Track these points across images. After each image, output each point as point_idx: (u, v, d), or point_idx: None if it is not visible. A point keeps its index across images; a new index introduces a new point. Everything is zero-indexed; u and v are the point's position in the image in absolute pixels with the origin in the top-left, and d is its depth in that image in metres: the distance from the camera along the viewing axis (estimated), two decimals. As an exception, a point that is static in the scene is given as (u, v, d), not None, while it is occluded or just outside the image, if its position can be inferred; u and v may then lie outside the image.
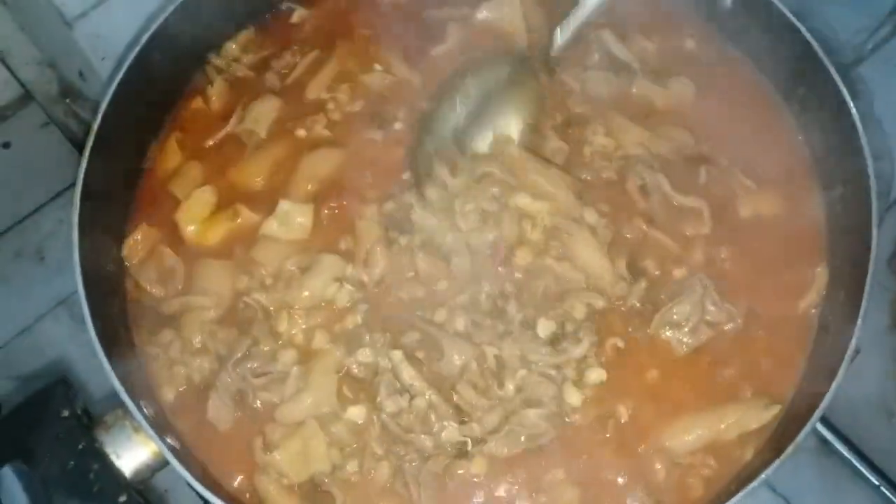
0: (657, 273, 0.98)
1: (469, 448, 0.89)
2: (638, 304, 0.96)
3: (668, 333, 0.95)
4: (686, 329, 0.95)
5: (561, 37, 1.05)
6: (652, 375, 0.94)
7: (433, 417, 0.89)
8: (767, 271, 0.99)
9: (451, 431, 0.89)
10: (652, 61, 1.10)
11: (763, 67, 1.11)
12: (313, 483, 0.89)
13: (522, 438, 0.89)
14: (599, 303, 0.95)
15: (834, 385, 0.87)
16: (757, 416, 0.93)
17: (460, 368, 0.91)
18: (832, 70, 0.99)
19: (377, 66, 1.09)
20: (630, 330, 0.95)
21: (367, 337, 0.94)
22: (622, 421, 0.92)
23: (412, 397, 0.89)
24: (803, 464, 1.25)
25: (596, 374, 0.92)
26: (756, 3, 1.07)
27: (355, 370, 0.93)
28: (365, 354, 0.92)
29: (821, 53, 1.01)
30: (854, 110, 0.97)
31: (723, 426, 0.92)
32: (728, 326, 0.96)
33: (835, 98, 0.99)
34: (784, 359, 0.96)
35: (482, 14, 1.11)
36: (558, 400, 0.90)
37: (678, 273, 0.98)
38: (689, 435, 0.92)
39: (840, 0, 1.25)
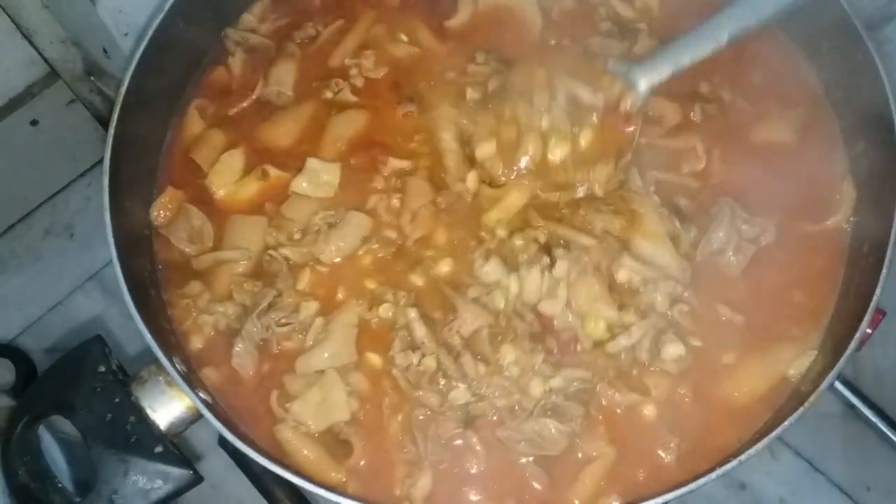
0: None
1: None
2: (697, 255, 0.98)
3: (717, 261, 0.97)
4: (730, 253, 0.97)
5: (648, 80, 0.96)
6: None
7: (440, 377, 0.91)
8: (792, 193, 1.01)
9: (459, 392, 0.91)
10: (657, 18, 1.11)
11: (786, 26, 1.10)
12: (332, 432, 0.92)
13: (533, 444, 0.90)
14: (679, 288, 0.95)
15: (872, 304, 0.88)
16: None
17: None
18: (859, 26, 0.99)
19: (402, 37, 1.11)
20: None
21: (390, 294, 0.96)
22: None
23: (423, 355, 0.91)
24: (828, 428, 1.25)
25: (674, 348, 0.93)
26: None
27: (374, 324, 0.95)
28: (385, 310, 0.95)
29: (847, 7, 1.00)
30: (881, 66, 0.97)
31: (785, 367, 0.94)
32: (766, 239, 0.99)
33: (861, 51, 0.99)
34: (820, 282, 0.99)
35: None
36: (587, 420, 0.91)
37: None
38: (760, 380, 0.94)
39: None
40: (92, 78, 1.44)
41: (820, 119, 1.07)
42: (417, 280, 0.98)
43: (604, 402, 0.92)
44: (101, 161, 0.97)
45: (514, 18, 1.11)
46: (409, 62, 1.10)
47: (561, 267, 0.94)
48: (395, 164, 1.03)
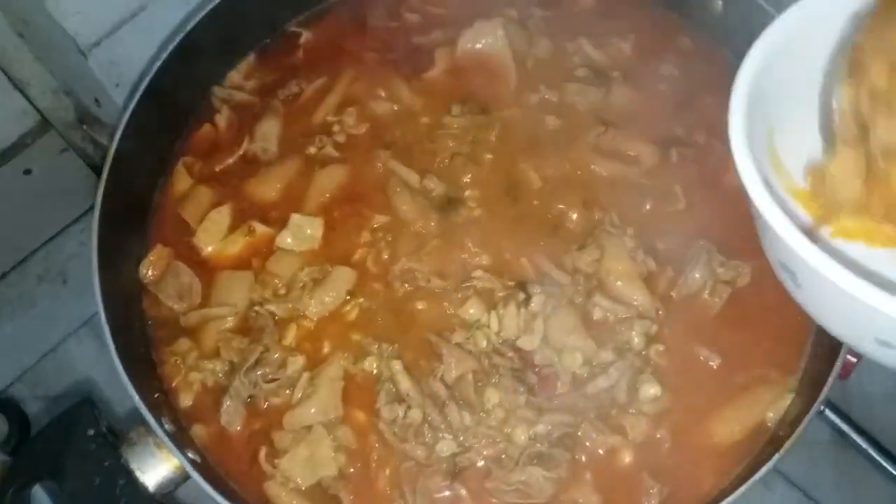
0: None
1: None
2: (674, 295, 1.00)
3: (694, 302, 0.99)
4: (706, 294, 0.99)
5: None
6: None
7: (426, 430, 0.92)
8: None
9: (446, 443, 0.92)
10: (629, 60, 1.14)
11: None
12: (321, 487, 0.93)
13: (520, 493, 0.91)
14: (654, 328, 0.97)
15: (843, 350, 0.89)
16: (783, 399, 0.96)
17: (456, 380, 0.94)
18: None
19: (382, 93, 1.14)
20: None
21: (375, 347, 0.98)
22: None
23: (409, 407, 0.93)
24: (820, 456, 1.25)
25: (651, 389, 0.94)
26: (746, 5, 1.09)
27: (359, 378, 0.97)
28: (370, 363, 0.97)
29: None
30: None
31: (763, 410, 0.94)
32: (742, 282, 1.00)
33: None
34: (796, 325, 0.99)
35: (464, 41, 1.14)
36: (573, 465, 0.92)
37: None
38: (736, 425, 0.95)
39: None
40: (84, 126, 1.47)
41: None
42: (403, 330, 0.99)
43: (587, 444, 0.94)
44: (93, 207, 0.99)
45: (490, 69, 1.14)
46: (389, 118, 1.12)
47: (537, 301, 0.96)
48: (380, 218, 1.05)
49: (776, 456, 0.88)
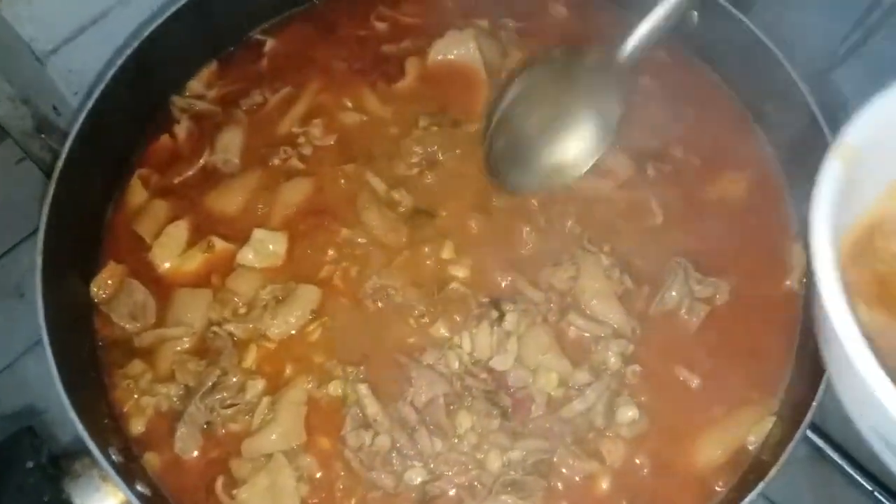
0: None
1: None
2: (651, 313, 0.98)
3: (671, 321, 0.97)
4: (683, 312, 0.97)
5: (630, 43, 0.96)
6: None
7: (395, 457, 0.88)
8: (745, 253, 1.01)
9: (415, 471, 0.88)
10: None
11: (733, 86, 1.13)
12: (282, 521, 0.88)
13: None
14: (630, 347, 0.95)
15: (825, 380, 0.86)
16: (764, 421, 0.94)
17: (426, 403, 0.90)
18: (802, 86, 1.00)
19: (349, 104, 1.10)
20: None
21: (340, 369, 0.94)
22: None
23: (376, 434, 0.89)
24: (796, 472, 1.23)
25: (628, 412, 0.92)
26: (724, 18, 1.07)
27: (324, 403, 0.93)
28: (335, 387, 0.93)
29: (789, 69, 1.01)
30: (825, 125, 0.97)
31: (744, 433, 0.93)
32: (720, 299, 0.99)
33: (805, 112, 0.99)
34: (776, 344, 0.98)
35: (436, 51, 1.12)
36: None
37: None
38: (717, 448, 0.93)
39: (811, 5, 1.24)
40: (42, 136, 1.42)
41: (770, 179, 1.07)
42: (370, 352, 0.95)
43: (564, 471, 0.90)
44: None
45: (462, 80, 1.11)
46: (357, 129, 1.09)
47: (510, 320, 0.94)
48: (348, 233, 1.01)
49: (761, 484, 0.86)
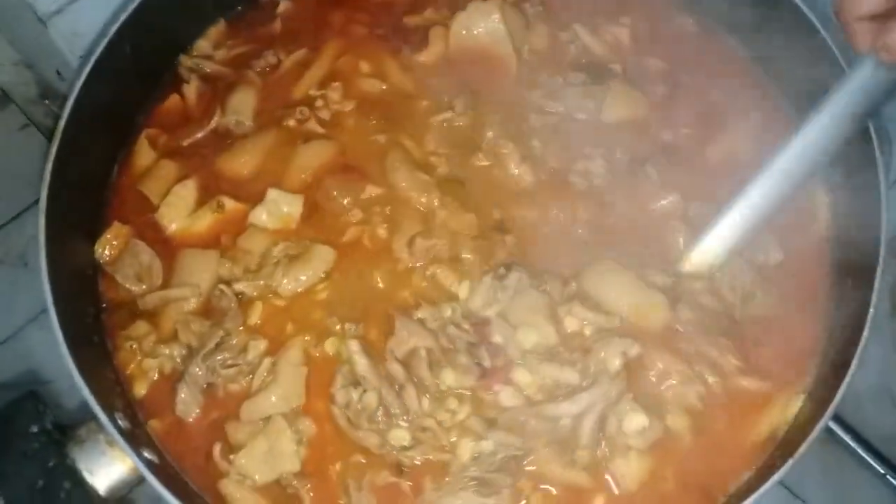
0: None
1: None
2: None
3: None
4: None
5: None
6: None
7: (381, 415, 0.87)
8: None
9: (400, 432, 0.86)
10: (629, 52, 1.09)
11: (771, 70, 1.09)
12: (280, 485, 0.87)
13: None
14: (635, 348, 0.90)
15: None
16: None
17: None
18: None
19: (370, 70, 1.07)
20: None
21: (338, 327, 0.92)
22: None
23: (364, 391, 0.87)
24: (809, 456, 1.22)
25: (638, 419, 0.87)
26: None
27: (320, 361, 0.91)
28: (330, 344, 0.91)
29: (818, 25, 0.97)
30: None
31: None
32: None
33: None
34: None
35: (459, 24, 1.08)
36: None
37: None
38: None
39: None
40: (46, 101, 1.40)
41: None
42: (372, 309, 0.94)
43: (544, 475, 0.87)
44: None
45: (487, 57, 1.08)
46: (378, 97, 1.06)
47: (513, 277, 0.92)
48: (373, 189, 0.99)
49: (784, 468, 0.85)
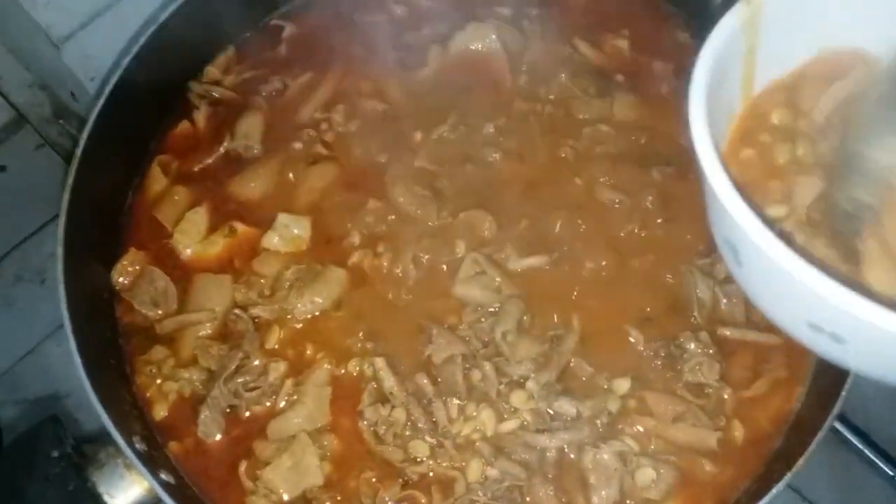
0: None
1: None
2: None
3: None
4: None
5: None
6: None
7: (408, 431, 0.89)
8: None
9: (419, 444, 0.88)
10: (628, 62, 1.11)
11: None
12: (305, 499, 0.89)
13: None
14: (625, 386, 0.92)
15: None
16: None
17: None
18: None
19: (372, 91, 1.09)
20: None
21: (359, 346, 0.94)
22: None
23: (392, 407, 0.89)
24: (816, 457, 1.22)
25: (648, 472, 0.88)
26: None
27: (345, 381, 0.93)
28: (354, 364, 0.93)
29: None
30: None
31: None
32: None
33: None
34: None
35: (457, 43, 1.10)
36: None
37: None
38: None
39: None
40: (60, 121, 1.43)
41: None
42: (389, 327, 0.95)
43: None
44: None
45: (483, 71, 1.10)
46: (380, 117, 1.08)
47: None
48: (375, 207, 1.01)
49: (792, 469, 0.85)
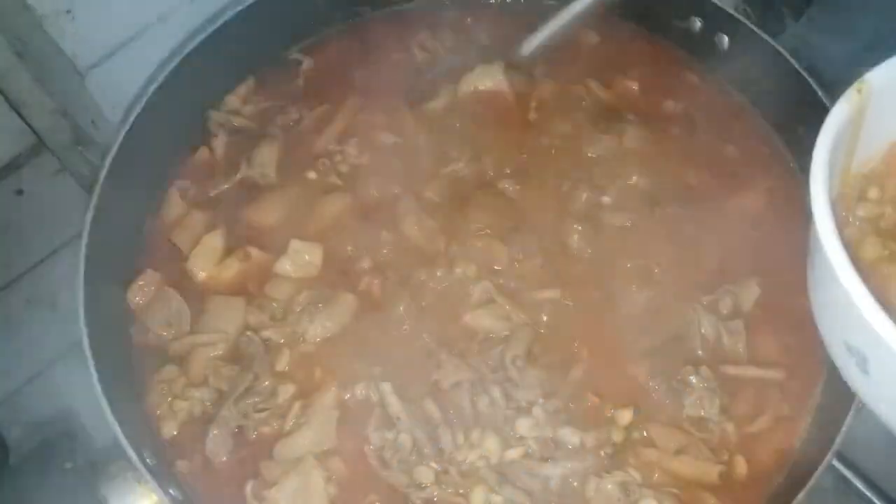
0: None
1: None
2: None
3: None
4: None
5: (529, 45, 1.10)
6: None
7: (413, 456, 0.90)
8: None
9: (424, 470, 0.89)
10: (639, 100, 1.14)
11: (762, 110, 1.15)
12: (310, 520, 0.89)
13: None
14: (628, 416, 0.93)
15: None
16: None
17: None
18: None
19: (385, 125, 1.12)
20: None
21: (367, 370, 0.95)
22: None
23: (399, 432, 0.90)
24: (815, 493, 1.22)
25: None
26: (753, 43, 1.09)
27: (352, 405, 0.94)
28: (361, 389, 0.94)
29: (820, 93, 1.02)
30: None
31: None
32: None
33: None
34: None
35: (466, 83, 1.15)
36: None
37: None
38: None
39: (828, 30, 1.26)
40: (80, 148, 1.44)
41: (794, 192, 1.07)
42: (397, 354, 0.97)
43: None
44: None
45: (492, 110, 1.14)
46: (392, 150, 1.11)
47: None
48: (385, 237, 1.04)
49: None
